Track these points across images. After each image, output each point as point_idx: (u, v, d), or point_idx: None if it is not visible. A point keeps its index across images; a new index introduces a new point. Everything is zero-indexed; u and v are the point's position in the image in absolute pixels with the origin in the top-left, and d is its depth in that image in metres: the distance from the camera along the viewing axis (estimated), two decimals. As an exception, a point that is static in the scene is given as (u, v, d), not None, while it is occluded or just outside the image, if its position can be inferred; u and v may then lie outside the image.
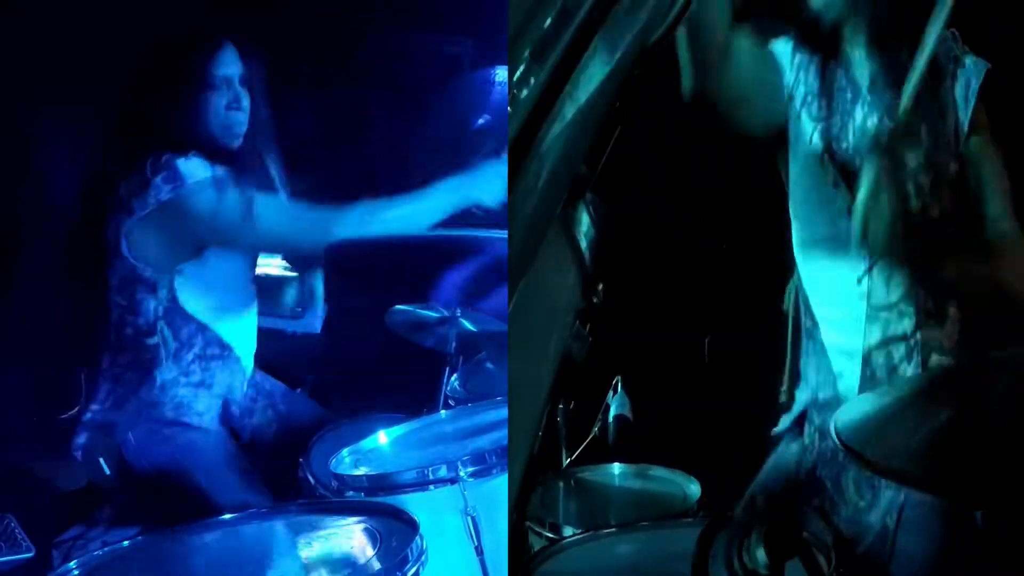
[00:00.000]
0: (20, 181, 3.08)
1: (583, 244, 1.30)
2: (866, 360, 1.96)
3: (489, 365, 2.90)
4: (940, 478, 1.32)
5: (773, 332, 2.55)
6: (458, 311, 2.99)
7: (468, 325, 2.96)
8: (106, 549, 1.86)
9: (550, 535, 2.10)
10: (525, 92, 1.03)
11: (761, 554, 1.39)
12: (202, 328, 2.53)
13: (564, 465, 2.50)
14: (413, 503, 1.89)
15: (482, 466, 1.94)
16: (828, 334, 2.02)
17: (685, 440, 2.58)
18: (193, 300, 2.50)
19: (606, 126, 1.14)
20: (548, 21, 1.05)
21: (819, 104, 2.00)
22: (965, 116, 1.87)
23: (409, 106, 3.56)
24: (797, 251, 2.07)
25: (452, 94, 3.48)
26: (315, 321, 3.42)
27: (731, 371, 2.83)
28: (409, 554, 1.62)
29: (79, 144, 2.73)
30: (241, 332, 2.63)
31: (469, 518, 1.90)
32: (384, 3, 3.58)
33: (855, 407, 1.82)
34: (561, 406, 2.51)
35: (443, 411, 2.51)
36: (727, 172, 2.45)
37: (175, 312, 2.49)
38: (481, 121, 3.35)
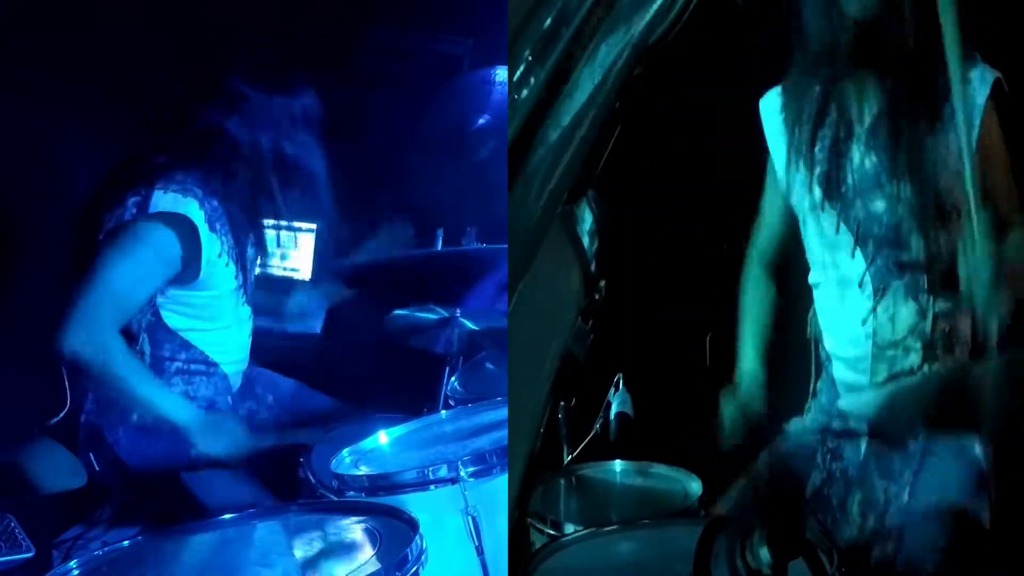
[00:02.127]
0: (32, 180, 3.10)
1: (585, 242, 1.30)
2: None
3: (489, 365, 2.90)
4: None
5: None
6: (458, 311, 2.99)
7: (469, 324, 2.95)
8: (106, 549, 1.86)
9: (551, 532, 2.11)
10: (525, 92, 1.04)
11: (764, 553, 1.38)
12: (185, 345, 2.56)
13: (565, 462, 2.50)
14: (413, 503, 1.89)
15: (482, 466, 1.95)
16: (838, 370, 2.06)
17: (686, 438, 2.58)
18: (177, 319, 2.53)
19: (606, 126, 1.14)
20: (548, 21, 1.05)
21: (812, 150, 2.01)
22: (970, 136, 1.86)
23: (409, 106, 3.55)
24: (814, 290, 2.12)
25: (452, 94, 3.47)
26: (315, 321, 3.41)
27: (732, 369, 2.83)
28: (409, 554, 1.63)
29: (96, 152, 2.76)
30: (228, 351, 2.65)
31: (470, 518, 1.90)
32: (384, 2, 3.58)
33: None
34: (562, 403, 2.51)
35: (443, 411, 2.51)
36: (729, 170, 2.45)
37: (158, 327, 2.52)
38: (481, 121, 3.34)
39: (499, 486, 1.94)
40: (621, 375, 2.51)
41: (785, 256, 2.19)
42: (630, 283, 2.35)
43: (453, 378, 2.86)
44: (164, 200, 2.39)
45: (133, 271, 2.36)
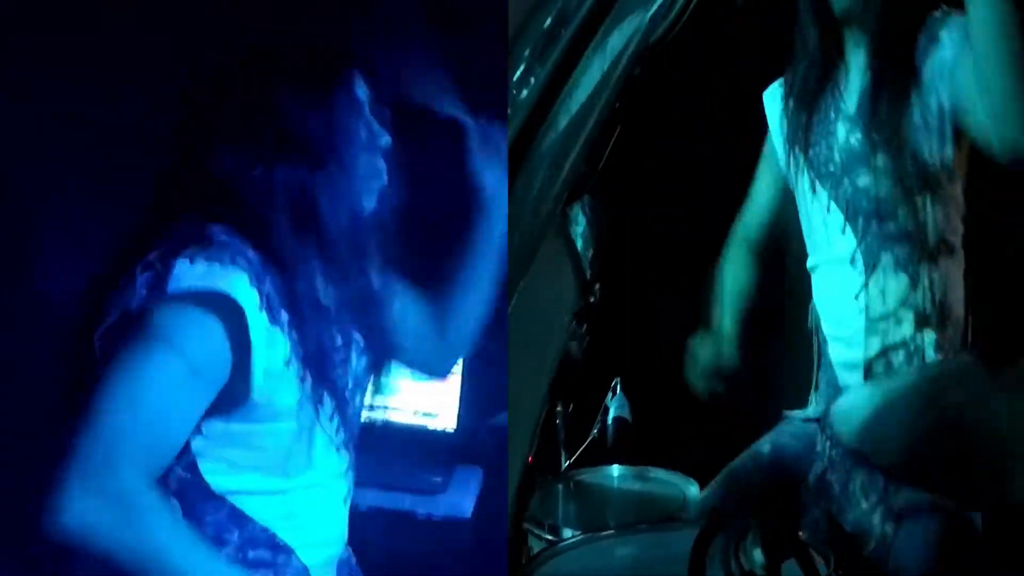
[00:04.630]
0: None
1: (579, 245, 1.30)
2: (867, 371, 2.00)
3: None
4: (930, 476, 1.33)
5: (773, 334, 2.56)
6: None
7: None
8: None
9: (549, 537, 2.10)
10: (525, 92, 1.03)
11: (758, 555, 1.39)
12: (237, 517, 1.57)
13: (563, 467, 2.50)
14: None
15: None
16: (834, 350, 2.07)
17: (684, 442, 2.58)
18: (223, 473, 1.57)
19: (606, 126, 1.14)
20: (548, 21, 1.05)
21: (805, 131, 2.05)
22: (947, 93, 1.89)
23: None
24: (812, 274, 2.14)
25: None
26: (465, 500, 2.32)
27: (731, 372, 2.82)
28: None
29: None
30: (310, 528, 1.65)
31: None
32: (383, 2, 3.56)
33: (852, 399, 1.92)
34: (559, 408, 2.50)
35: None
36: (727, 170, 2.45)
37: (193, 487, 1.55)
38: None
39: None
40: (619, 379, 2.50)
41: (770, 239, 2.20)
42: (629, 285, 2.35)
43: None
44: (192, 273, 1.46)
45: (157, 391, 1.44)
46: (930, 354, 1.95)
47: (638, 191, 2.51)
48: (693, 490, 2.27)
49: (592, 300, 1.64)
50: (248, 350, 1.49)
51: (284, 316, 1.53)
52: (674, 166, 2.66)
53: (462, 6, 3.33)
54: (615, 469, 2.46)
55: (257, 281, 1.50)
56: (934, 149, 1.92)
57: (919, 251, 1.96)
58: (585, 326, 1.99)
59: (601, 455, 2.48)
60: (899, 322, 1.98)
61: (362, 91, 1.63)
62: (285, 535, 1.60)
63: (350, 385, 1.66)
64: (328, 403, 1.60)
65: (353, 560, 1.77)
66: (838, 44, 2.01)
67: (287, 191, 1.54)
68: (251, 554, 1.58)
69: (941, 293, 1.96)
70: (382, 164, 1.64)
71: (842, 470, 2.01)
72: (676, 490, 2.31)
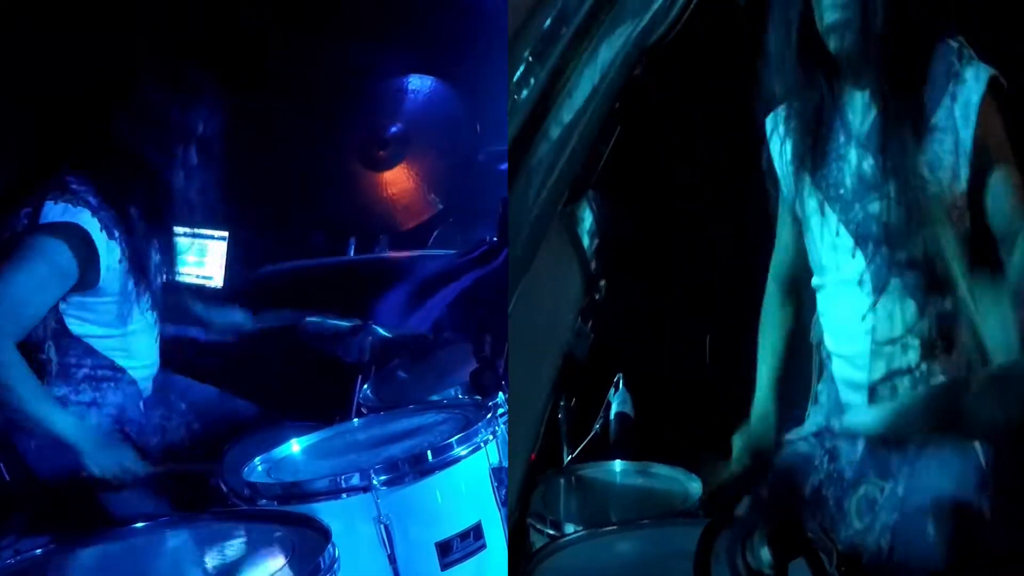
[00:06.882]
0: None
1: (585, 241, 1.30)
2: (872, 393, 2.00)
3: (401, 373, 2.85)
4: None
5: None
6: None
7: (382, 332, 2.87)
8: (18, 557, 1.85)
9: (551, 532, 2.11)
10: (525, 92, 1.04)
11: (765, 553, 1.38)
12: (90, 351, 2.54)
13: (566, 462, 2.50)
14: (326, 512, 1.88)
15: (395, 474, 1.95)
16: (838, 367, 2.06)
17: (686, 437, 2.59)
18: (79, 325, 2.52)
19: (606, 126, 1.14)
20: (548, 21, 1.05)
21: (812, 155, 2.03)
22: (967, 134, 1.88)
23: (317, 114, 3.49)
24: (817, 293, 2.13)
25: (361, 102, 3.46)
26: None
27: (732, 368, 2.83)
28: (321, 562, 1.63)
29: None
30: (135, 357, 2.63)
31: (382, 526, 1.91)
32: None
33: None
34: (563, 403, 2.51)
35: (355, 419, 2.47)
36: (729, 168, 2.45)
37: (62, 333, 2.51)
38: (394, 129, 3.33)
39: (412, 494, 1.95)
40: (621, 375, 2.51)
41: (801, 271, 2.19)
42: (632, 282, 2.36)
43: (365, 386, 2.82)
44: (55, 211, 2.42)
45: (27, 284, 2.37)
46: (936, 382, 1.94)
47: (638, 191, 2.51)
48: (695, 486, 2.27)
49: (597, 297, 1.64)
50: (95, 255, 2.45)
51: (116, 234, 2.50)
52: (674, 166, 2.66)
53: (463, 7, 3.34)
54: (617, 464, 2.47)
55: (96, 214, 2.45)
56: (945, 183, 1.90)
57: (929, 280, 1.95)
58: (590, 323, 1.99)
59: (603, 450, 2.49)
60: (905, 349, 1.96)
61: (200, 114, 2.57)
62: (120, 362, 2.58)
63: (155, 271, 2.61)
64: (143, 283, 2.58)
65: (163, 377, 2.73)
66: (836, 75, 1.99)
67: (126, 162, 2.51)
68: (99, 372, 2.55)
69: (949, 323, 1.95)
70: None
71: (838, 487, 2.00)
72: (678, 485, 2.31)
